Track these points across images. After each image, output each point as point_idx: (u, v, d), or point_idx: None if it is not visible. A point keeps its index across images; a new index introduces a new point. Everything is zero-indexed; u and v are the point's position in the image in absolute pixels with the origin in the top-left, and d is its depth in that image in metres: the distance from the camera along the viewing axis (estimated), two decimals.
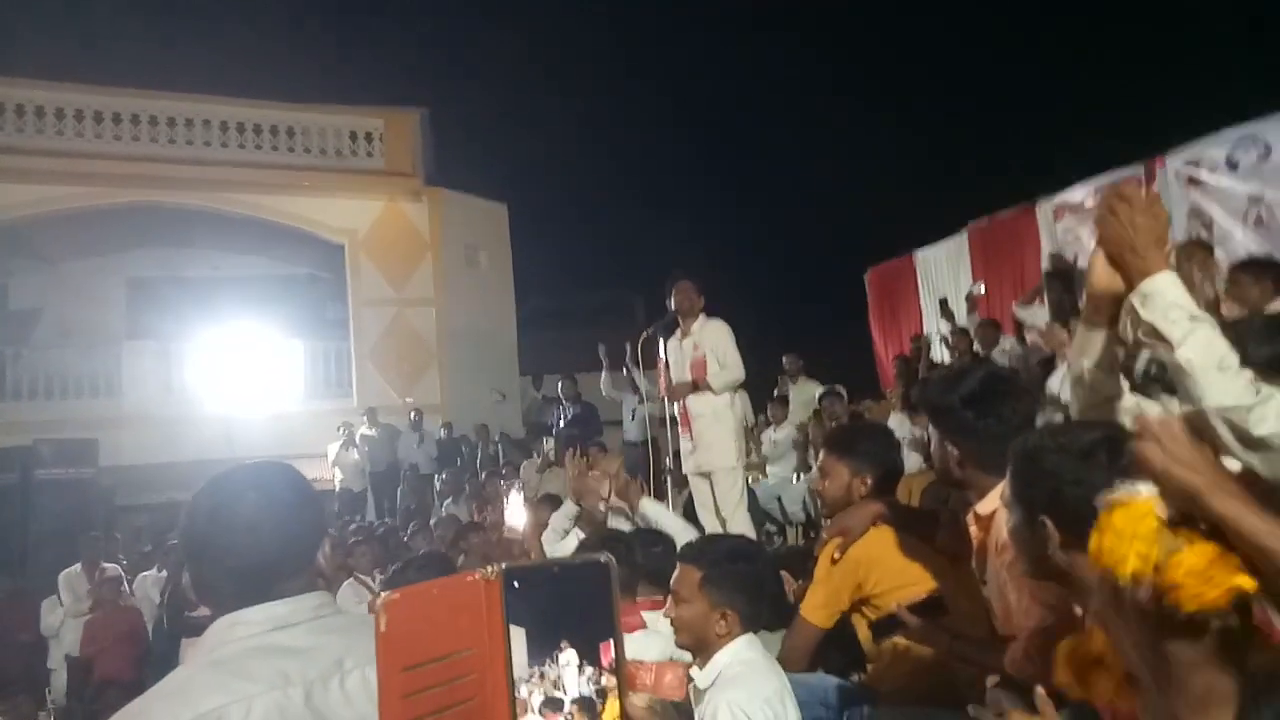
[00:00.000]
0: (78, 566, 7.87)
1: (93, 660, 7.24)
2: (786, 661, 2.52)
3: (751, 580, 2.28)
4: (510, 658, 0.77)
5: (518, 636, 0.77)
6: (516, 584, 0.80)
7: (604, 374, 8.82)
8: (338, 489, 11.34)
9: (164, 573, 7.74)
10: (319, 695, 1.20)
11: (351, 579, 5.61)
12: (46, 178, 12.37)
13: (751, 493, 6.90)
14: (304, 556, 1.34)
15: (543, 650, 0.77)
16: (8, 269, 13.53)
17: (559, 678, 0.77)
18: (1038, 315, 5.08)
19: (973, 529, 2.12)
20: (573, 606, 0.79)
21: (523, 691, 0.76)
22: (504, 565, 0.81)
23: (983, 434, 2.08)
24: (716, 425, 5.40)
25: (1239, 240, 7.16)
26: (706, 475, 5.45)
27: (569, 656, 0.77)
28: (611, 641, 0.79)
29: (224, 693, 1.15)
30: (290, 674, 1.20)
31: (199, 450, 10.89)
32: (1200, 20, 16.14)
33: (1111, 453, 1.40)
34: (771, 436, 8.45)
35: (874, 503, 2.67)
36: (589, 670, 0.77)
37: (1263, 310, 5.11)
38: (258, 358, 13.23)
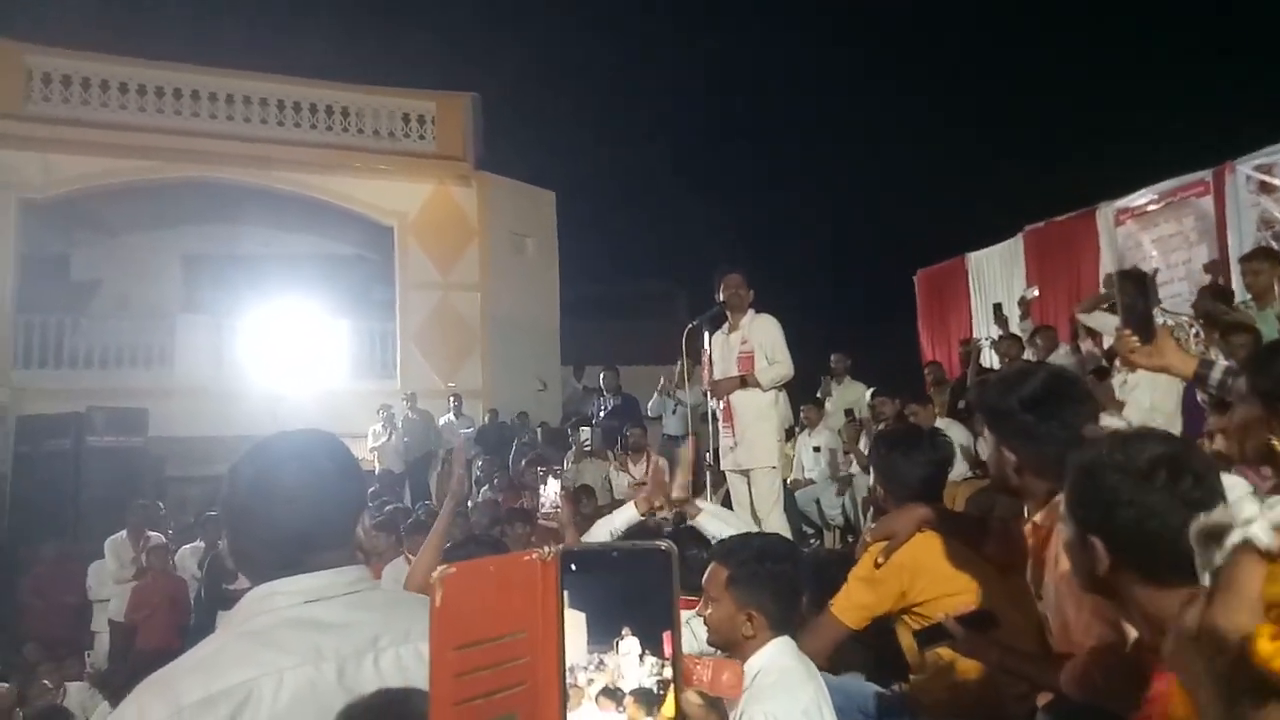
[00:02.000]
0: (124, 533, 8.04)
1: (137, 626, 7.38)
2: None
3: (782, 581, 2.21)
4: (563, 643, 0.74)
5: (577, 621, 0.74)
6: (573, 567, 0.77)
7: (654, 396, 9.44)
8: (378, 470, 11.47)
9: (202, 543, 7.85)
10: (352, 672, 1.18)
11: (402, 557, 5.54)
12: (107, 150, 12.64)
13: (789, 494, 6.81)
14: (343, 529, 1.32)
15: (603, 637, 0.74)
16: (71, 240, 13.89)
17: (619, 666, 0.73)
18: (1106, 321, 4.87)
19: (1029, 540, 2.05)
20: (632, 593, 0.76)
21: (580, 679, 0.73)
22: (560, 547, 0.78)
23: (1044, 439, 1.99)
24: (760, 423, 5.32)
25: None
26: (745, 474, 5.38)
27: (630, 645, 0.74)
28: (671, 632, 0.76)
29: (255, 665, 1.13)
30: (324, 649, 1.18)
31: (246, 424, 11.03)
32: (1272, 22, 15.60)
33: (1173, 472, 1.35)
34: (809, 441, 8.32)
35: (921, 507, 2.60)
36: (650, 661, 0.74)
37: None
38: (306, 335, 13.41)
